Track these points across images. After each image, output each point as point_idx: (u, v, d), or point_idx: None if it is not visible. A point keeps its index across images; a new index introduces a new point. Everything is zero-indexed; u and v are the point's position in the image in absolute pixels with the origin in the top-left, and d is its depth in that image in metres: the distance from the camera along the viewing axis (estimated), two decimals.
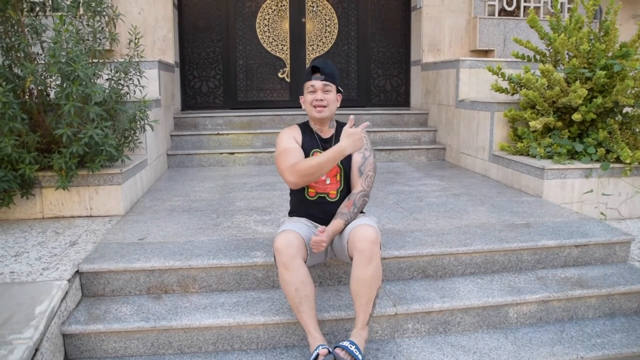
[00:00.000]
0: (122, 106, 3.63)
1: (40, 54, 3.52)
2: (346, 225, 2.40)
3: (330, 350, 2.16)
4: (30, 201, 3.39)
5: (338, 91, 2.52)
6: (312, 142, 2.54)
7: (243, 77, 6.71)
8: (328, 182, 2.50)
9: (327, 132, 2.59)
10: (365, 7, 6.78)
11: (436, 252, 2.80)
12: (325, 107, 2.45)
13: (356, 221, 2.41)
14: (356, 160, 2.50)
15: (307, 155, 2.49)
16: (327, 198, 2.51)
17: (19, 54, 3.35)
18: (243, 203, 3.79)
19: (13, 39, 3.28)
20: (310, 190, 2.51)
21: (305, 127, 2.60)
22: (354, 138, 2.28)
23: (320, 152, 2.48)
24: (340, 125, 2.61)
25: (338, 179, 2.51)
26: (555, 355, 2.36)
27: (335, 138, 2.54)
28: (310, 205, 2.52)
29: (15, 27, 3.32)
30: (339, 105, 2.55)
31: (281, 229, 2.38)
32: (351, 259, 2.31)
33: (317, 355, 2.14)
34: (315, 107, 2.46)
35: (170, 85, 5.66)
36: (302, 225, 2.43)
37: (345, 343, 2.19)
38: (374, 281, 2.23)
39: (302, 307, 2.24)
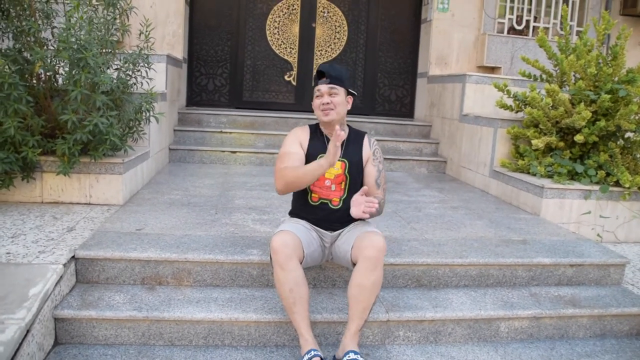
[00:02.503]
0: (128, 97, 3.64)
1: (50, 40, 3.53)
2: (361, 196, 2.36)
3: (322, 358, 2.16)
4: (31, 185, 3.40)
5: (349, 93, 2.50)
6: (319, 146, 2.50)
7: (250, 77, 6.72)
8: (333, 188, 2.49)
9: None
10: (375, 17, 6.82)
11: (431, 262, 2.81)
12: (332, 109, 2.43)
13: (364, 228, 2.42)
14: (371, 173, 2.52)
15: (314, 158, 2.45)
16: (330, 205, 2.50)
17: (29, 39, 3.37)
18: (242, 201, 3.80)
19: (24, 23, 3.29)
20: (313, 195, 2.50)
21: (315, 130, 2.57)
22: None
23: None
24: (352, 131, 2.59)
25: (343, 187, 2.50)
26: None
27: (346, 143, 2.52)
28: (313, 210, 2.51)
29: (27, 12, 3.34)
30: (349, 108, 2.52)
31: (279, 229, 2.39)
32: (353, 264, 2.32)
33: None
34: (322, 110, 2.45)
35: (177, 80, 5.67)
36: (300, 227, 2.43)
37: (351, 356, 2.16)
38: (375, 289, 2.24)
39: (296, 308, 2.24)
